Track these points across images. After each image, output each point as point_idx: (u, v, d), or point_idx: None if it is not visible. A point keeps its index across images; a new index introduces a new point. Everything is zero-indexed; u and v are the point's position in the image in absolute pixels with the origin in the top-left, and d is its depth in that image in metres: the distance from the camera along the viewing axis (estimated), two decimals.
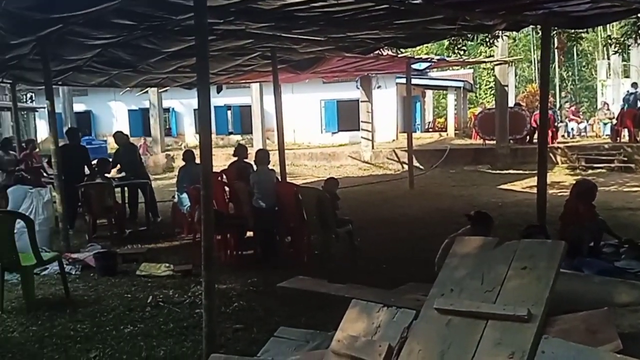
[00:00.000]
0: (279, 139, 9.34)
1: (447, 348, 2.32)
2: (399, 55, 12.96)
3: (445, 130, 23.16)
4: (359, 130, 20.00)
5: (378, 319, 2.64)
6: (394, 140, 21.85)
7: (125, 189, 9.56)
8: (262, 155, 7.22)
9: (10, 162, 10.02)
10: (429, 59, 16.03)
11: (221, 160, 15.19)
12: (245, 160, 8.60)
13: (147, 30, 6.31)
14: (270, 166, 7.27)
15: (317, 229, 6.90)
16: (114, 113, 27.22)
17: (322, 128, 24.33)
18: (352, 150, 19.62)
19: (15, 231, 5.16)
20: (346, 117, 22.97)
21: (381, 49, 10.64)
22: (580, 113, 21.40)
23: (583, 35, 14.64)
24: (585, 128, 19.86)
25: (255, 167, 7.40)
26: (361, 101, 19.30)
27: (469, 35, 10.68)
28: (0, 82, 12.68)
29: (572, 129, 19.70)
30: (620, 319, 2.25)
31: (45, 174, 10.53)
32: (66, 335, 4.40)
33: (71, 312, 4.96)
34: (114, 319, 4.80)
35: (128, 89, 17.76)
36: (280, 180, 8.31)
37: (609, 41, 12.83)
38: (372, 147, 19.00)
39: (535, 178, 7.76)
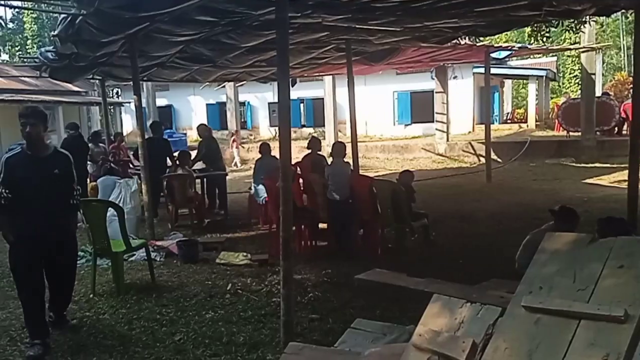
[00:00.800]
0: (352, 131, 9.33)
1: (536, 347, 2.23)
2: (477, 44, 12.56)
3: (525, 122, 22.20)
4: (433, 122, 19.63)
5: (461, 315, 2.58)
6: (469, 132, 21.25)
7: (204, 180, 9.92)
8: (338, 148, 7.25)
9: (100, 154, 10.67)
10: (510, 47, 15.39)
11: (294, 152, 15.30)
12: (319, 152, 8.67)
13: (227, 26, 6.50)
14: (344, 159, 7.29)
15: (391, 222, 6.86)
16: (193, 107, 28.31)
17: (395, 120, 24.07)
18: (426, 143, 19.29)
19: (106, 219, 5.49)
20: (420, 108, 22.59)
21: (459, 38, 10.35)
22: None
23: None
24: None
25: (329, 160, 7.45)
26: (436, 92, 18.91)
27: (553, 22, 10.17)
28: (90, 79, 13.56)
29: None
30: None
31: (131, 165, 11.14)
32: (153, 319, 4.65)
33: (157, 297, 5.22)
34: (196, 304, 5.00)
35: (207, 83, 18.45)
36: (354, 173, 8.32)
37: None
38: (447, 140, 18.59)
39: (625, 172, 7.28)
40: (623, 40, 34.03)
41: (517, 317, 2.41)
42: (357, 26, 7.37)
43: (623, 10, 9.60)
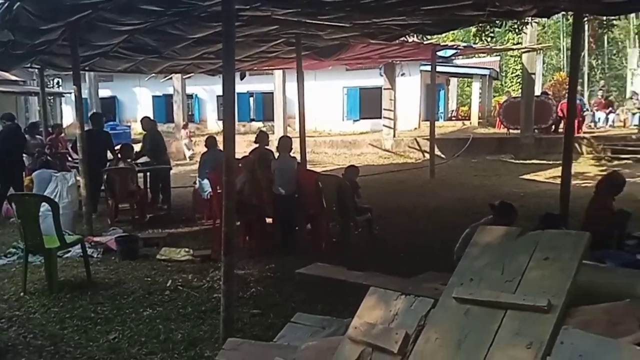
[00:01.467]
0: (301, 126, 9.33)
1: (465, 337, 2.29)
2: (425, 42, 12.82)
3: (469, 119, 22.84)
4: (380, 118, 19.87)
5: (395, 307, 2.62)
6: (416, 128, 21.65)
7: (147, 174, 9.67)
8: (284, 142, 7.22)
9: (36, 146, 10.21)
10: (455, 46, 15.80)
11: (242, 147, 15.24)
12: (267, 147, 8.62)
13: (174, 16, 6.34)
14: (291, 154, 7.28)
15: (336, 216, 6.90)
16: (138, 99, 27.51)
17: (344, 116, 24.22)
18: (373, 139, 19.52)
19: (39, 214, 5.26)
20: (368, 104, 22.82)
21: (407, 36, 10.52)
22: (611, 103, 20.87)
23: (615, 22, 14.27)
24: (609, 118, 19.36)
25: (276, 154, 7.41)
26: (384, 89, 19.14)
27: (497, 22, 10.49)
28: (29, 67, 12.92)
29: (599, 118, 19.23)
30: None
31: (70, 158, 10.71)
32: (86, 317, 4.49)
33: (92, 295, 5.05)
34: (134, 302, 4.87)
35: (153, 75, 17.95)
36: (300, 167, 8.32)
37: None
38: (394, 136, 18.88)
39: (559, 168, 7.61)
40: (563, 41, 35.48)
41: (448, 308, 2.46)
42: (307, 21, 7.37)
43: (563, 12, 10.03)
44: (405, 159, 17.56)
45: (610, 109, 19.66)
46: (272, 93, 21.16)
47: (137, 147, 9.85)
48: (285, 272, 5.62)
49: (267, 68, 16.05)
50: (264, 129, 19.96)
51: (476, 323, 2.32)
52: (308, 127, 20.84)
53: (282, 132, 18.76)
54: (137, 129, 21.61)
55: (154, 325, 4.30)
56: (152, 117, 11.39)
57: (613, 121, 19.40)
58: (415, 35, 11.31)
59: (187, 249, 6.41)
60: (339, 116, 24.09)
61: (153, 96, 26.99)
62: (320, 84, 22.26)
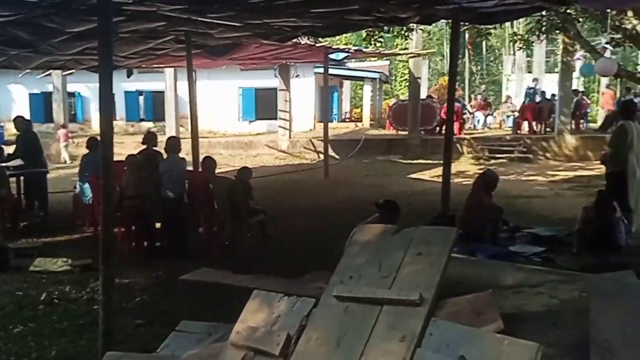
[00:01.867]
0: (192, 126, 9.08)
1: (344, 334, 2.34)
2: (317, 45, 13.04)
3: (361, 121, 23.59)
4: (276, 119, 19.91)
5: (278, 309, 2.63)
6: (311, 129, 21.95)
7: (22, 178, 8.90)
8: (172, 143, 7.00)
9: None
10: (347, 50, 16.23)
11: (130, 148, 14.52)
12: (155, 148, 8.28)
13: (49, 9, 5.88)
14: (182, 155, 7.06)
15: (228, 219, 6.80)
16: (13, 97, 25.28)
17: (240, 116, 23.97)
18: (269, 140, 19.52)
19: None
20: (264, 105, 22.76)
21: (299, 38, 10.62)
22: (489, 106, 22.62)
23: (492, 31, 15.46)
24: (487, 120, 20.98)
25: (165, 156, 7.15)
26: (279, 90, 19.20)
27: (385, 27, 10.92)
28: None
29: (479, 120, 20.73)
30: (504, 300, 2.38)
31: None
32: None
33: None
34: (3, 318, 4.47)
35: (28, 71, 16.55)
36: (192, 169, 8.10)
37: (514, 37, 13.62)
38: (289, 137, 19.00)
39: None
40: (447, 48, 37.77)
41: (328, 307, 2.51)
42: (196, 18, 7.18)
43: (444, 20, 10.65)
44: (301, 159, 17.74)
45: (488, 111, 21.26)
46: (163, 92, 20.42)
47: (11, 149, 9.04)
48: (173, 279, 5.43)
49: (157, 66, 15.46)
50: (154, 129, 19.23)
51: (355, 320, 2.39)
52: (202, 127, 20.28)
53: (175, 133, 18.19)
54: (11, 129, 19.80)
55: (25, 342, 3.96)
56: (27, 117, 10.51)
57: (490, 123, 21.01)
58: (307, 38, 11.46)
59: (64, 259, 5.97)
60: (235, 117, 23.80)
61: (30, 94, 24.93)
62: (214, 84, 21.85)
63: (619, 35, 10.96)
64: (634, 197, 6.57)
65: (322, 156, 15.25)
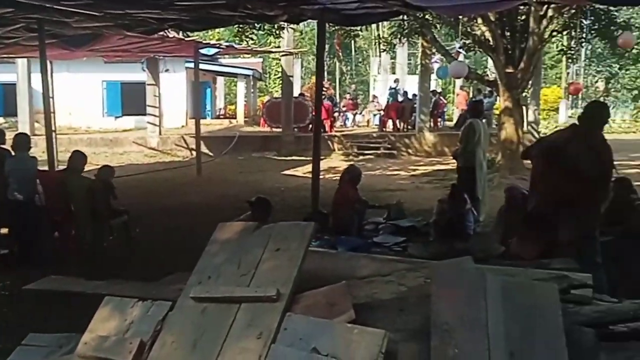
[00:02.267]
0: (47, 121, 8.33)
1: (201, 336, 2.28)
2: (187, 39, 12.64)
3: (236, 118, 23.35)
4: (145, 114, 18.99)
5: (132, 315, 2.49)
6: (183, 126, 21.26)
7: None
8: (20, 140, 6.36)
9: None
10: (218, 45, 15.93)
11: None
12: (3, 146, 7.47)
13: None
14: (34, 153, 6.44)
15: (87, 221, 6.33)
16: None
17: (104, 111, 22.49)
18: (138, 136, 18.59)
19: None
20: (131, 100, 21.56)
21: (166, 31, 10.21)
22: (357, 105, 23.58)
23: (359, 33, 16.10)
24: (355, 118, 21.91)
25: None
26: (148, 84, 18.33)
27: (256, 24, 10.86)
28: None
29: (348, 118, 21.54)
30: (358, 290, 2.47)
31: None
32: None
33: None
34: None
35: None
36: (46, 169, 7.43)
37: (379, 40, 14.32)
38: (160, 133, 18.26)
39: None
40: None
41: (185, 309, 2.43)
42: (49, 5, 6.57)
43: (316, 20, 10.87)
44: (172, 157, 17.12)
45: (356, 110, 22.16)
46: (15, 84, 18.53)
47: None
48: (20, 289, 4.93)
49: (6, 56, 13.98)
50: (5, 125, 17.40)
51: (212, 320, 2.33)
52: (62, 123, 18.77)
53: (28, 129, 16.59)
54: None
55: None
56: None
57: (359, 121, 21.93)
58: (176, 31, 11.06)
59: None
60: (99, 112, 22.28)
61: None
62: (75, 77, 20.27)
63: (470, 41, 11.96)
64: (481, 188, 7.23)
65: (194, 153, 14.85)
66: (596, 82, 31.58)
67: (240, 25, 10.66)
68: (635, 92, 28.89)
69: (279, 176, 13.01)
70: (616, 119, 24.33)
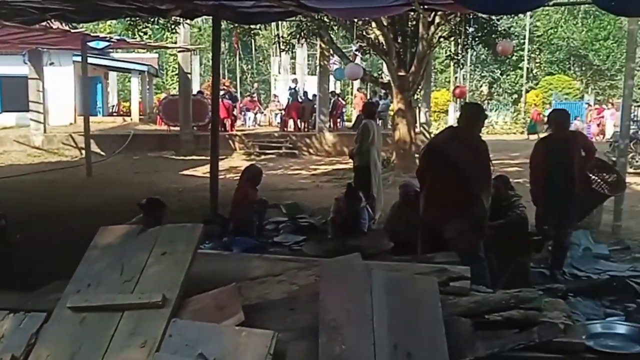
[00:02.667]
0: None
1: (79, 348, 2.14)
2: (73, 31, 11.85)
3: (130, 115, 22.31)
4: (28, 111, 17.57)
5: (2, 329, 2.27)
6: (71, 123, 19.93)
7: None
8: None
9: None
10: (108, 38, 15.11)
11: None
12: None
13: None
14: None
15: None
16: None
17: None
18: (20, 134, 17.17)
19: None
20: (12, 95, 19.81)
21: (49, 21, 9.50)
22: (258, 104, 23.48)
23: (259, 32, 16.00)
24: (257, 117, 21.82)
25: None
26: (30, 78, 16.97)
27: (149, 18, 10.41)
28: None
29: (250, 117, 21.39)
30: (249, 291, 2.44)
31: None
32: None
33: None
34: None
35: None
36: None
37: (278, 40, 14.32)
38: (44, 131, 16.98)
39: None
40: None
41: (62, 320, 2.27)
42: None
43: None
44: (59, 157, 15.98)
45: (257, 109, 22.06)
46: None
47: None
48: None
49: None
50: None
51: (92, 331, 2.19)
52: None
53: None
54: None
55: None
56: None
57: (261, 120, 21.85)
58: (60, 22, 10.33)
59: None
60: None
61: None
62: None
63: (365, 44, 12.32)
64: (377, 186, 7.47)
65: (84, 153, 13.98)
66: (481, 86, 33.96)
67: (132, 19, 10.16)
68: (515, 95, 31.44)
69: (177, 176, 12.60)
70: (498, 121, 26.25)
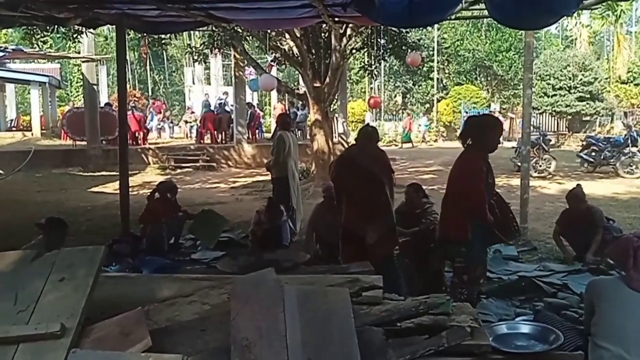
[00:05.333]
0: None
1: None
2: None
3: (31, 130, 20.96)
4: None
5: None
6: None
7: None
8: None
9: None
10: (3, 48, 14.20)
11: None
12: None
13: None
14: None
15: None
16: None
17: None
18: None
19: None
20: None
21: None
22: (166, 111, 22.99)
23: (169, 41, 15.62)
24: (162, 126, 21.34)
25: None
26: None
27: (47, 27, 9.85)
28: None
29: (164, 129, 20.80)
30: (158, 314, 2.36)
31: None
32: None
33: None
34: None
35: None
36: None
37: (190, 50, 14.05)
38: None
39: (128, 179, 7.76)
40: (129, 54, 36.68)
41: None
42: None
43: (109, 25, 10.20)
44: None
45: (163, 115, 21.55)
46: None
47: None
48: None
49: None
50: None
51: None
52: None
53: None
54: None
55: None
56: None
57: (172, 130, 21.36)
58: None
59: None
60: None
61: None
62: None
63: (279, 55, 12.39)
64: (296, 197, 7.52)
65: None
66: (395, 96, 35.19)
67: (29, 27, 9.59)
68: (427, 105, 32.84)
69: (85, 194, 12.00)
70: (412, 130, 27.28)
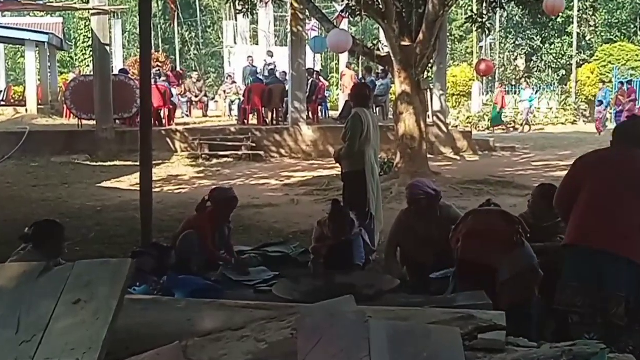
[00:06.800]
0: None
1: None
2: None
3: (25, 105, 22.10)
4: None
5: None
6: None
7: None
8: None
9: None
10: None
11: None
12: None
13: None
14: None
15: None
16: None
17: None
18: None
19: None
20: None
21: None
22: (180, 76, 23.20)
23: None
24: (191, 105, 21.56)
25: None
26: None
27: None
28: None
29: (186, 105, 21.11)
30: (199, 352, 2.44)
31: None
32: None
33: None
34: None
35: None
36: None
37: None
38: None
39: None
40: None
41: None
42: None
43: None
44: None
45: (202, 95, 21.79)
46: None
47: None
48: None
49: None
50: None
51: None
52: None
53: None
54: None
55: None
56: None
57: (211, 110, 21.71)
58: None
59: None
60: None
61: None
62: None
63: (354, 2, 12.36)
64: (375, 201, 7.39)
65: None
66: (515, 59, 34.32)
67: None
68: (563, 72, 31.81)
69: (93, 190, 12.54)
70: (540, 108, 26.52)
